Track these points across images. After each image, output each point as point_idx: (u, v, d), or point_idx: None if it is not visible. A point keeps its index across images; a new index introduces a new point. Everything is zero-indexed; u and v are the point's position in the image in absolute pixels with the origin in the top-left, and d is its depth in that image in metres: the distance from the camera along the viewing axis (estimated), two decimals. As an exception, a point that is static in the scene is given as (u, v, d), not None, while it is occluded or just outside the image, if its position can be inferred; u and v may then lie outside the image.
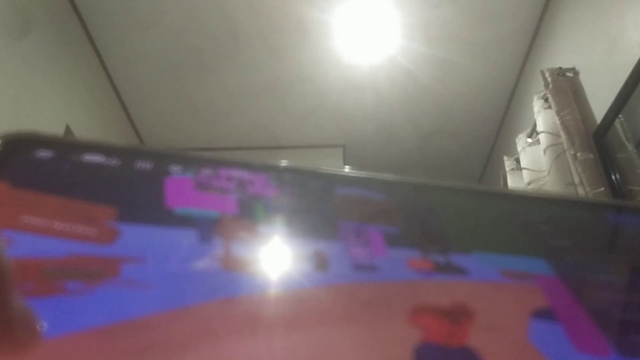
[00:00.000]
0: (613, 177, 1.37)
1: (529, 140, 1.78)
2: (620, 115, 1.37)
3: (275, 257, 0.15)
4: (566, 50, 1.78)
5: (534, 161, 1.69)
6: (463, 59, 2.14)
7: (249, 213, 0.16)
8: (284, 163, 0.18)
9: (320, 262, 0.15)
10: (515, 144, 1.87)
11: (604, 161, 1.40)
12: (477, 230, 0.18)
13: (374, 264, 0.15)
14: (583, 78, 1.58)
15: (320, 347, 0.13)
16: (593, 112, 1.51)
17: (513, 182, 1.89)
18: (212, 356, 0.12)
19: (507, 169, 1.96)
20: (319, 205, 0.17)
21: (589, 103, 1.53)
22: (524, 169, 1.73)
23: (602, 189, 1.33)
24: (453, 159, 2.76)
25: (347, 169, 0.19)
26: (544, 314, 0.15)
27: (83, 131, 2.01)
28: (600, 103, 1.46)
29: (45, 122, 1.84)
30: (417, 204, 0.18)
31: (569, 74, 1.59)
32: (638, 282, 0.16)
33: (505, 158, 2.02)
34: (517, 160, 1.88)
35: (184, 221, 0.15)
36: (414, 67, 2.17)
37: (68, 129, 1.96)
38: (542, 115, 1.62)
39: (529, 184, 1.67)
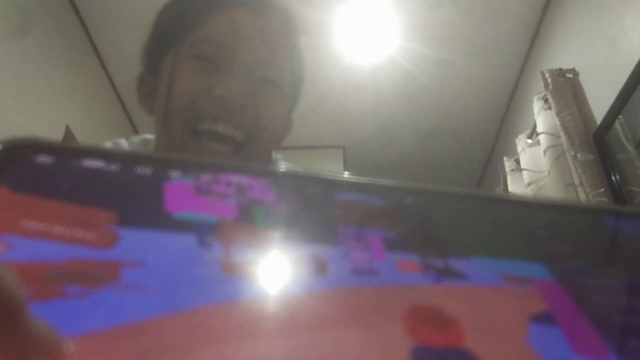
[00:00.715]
0: (613, 178, 1.37)
1: (529, 141, 1.78)
2: (620, 116, 1.37)
3: (275, 262, 0.15)
4: (566, 51, 1.78)
5: (534, 162, 1.69)
6: (463, 59, 2.14)
7: (249, 218, 0.16)
8: (283, 168, 0.18)
9: (320, 267, 0.15)
10: (515, 144, 1.87)
11: (604, 162, 1.40)
12: (477, 234, 0.18)
13: (373, 269, 0.15)
14: (583, 79, 1.58)
15: (319, 351, 0.13)
16: (593, 113, 1.51)
17: (513, 183, 1.89)
18: (214, 359, 0.12)
19: (507, 169, 1.96)
20: (319, 210, 0.17)
21: (589, 104, 1.53)
22: (524, 169, 1.73)
23: (602, 189, 1.33)
24: (453, 159, 2.76)
25: (346, 174, 0.19)
26: (543, 318, 0.15)
27: (83, 132, 2.01)
28: (600, 104, 1.46)
29: (45, 123, 1.84)
30: (417, 209, 0.18)
31: (569, 75, 1.59)
32: (636, 286, 0.16)
33: (505, 159, 2.02)
34: (517, 161, 1.88)
35: (184, 226, 0.15)
36: (414, 67, 2.17)
37: (68, 130, 1.96)
38: (542, 116, 1.62)
39: (529, 184, 1.67)
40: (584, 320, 0.15)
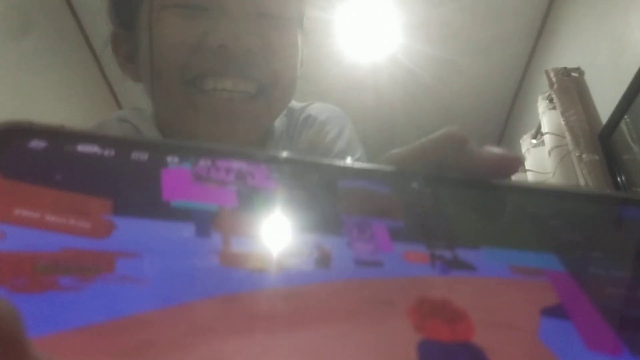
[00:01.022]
0: (619, 178, 1.36)
1: (534, 141, 1.77)
2: (626, 116, 1.36)
3: (276, 253, 0.15)
4: (571, 49, 1.77)
5: (538, 162, 1.68)
6: (465, 58, 2.13)
7: (249, 206, 0.16)
8: (285, 154, 0.17)
9: (323, 258, 0.15)
10: (519, 145, 1.86)
11: (609, 163, 1.39)
12: (485, 224, 0.17)
13: (378, 260, 0.15)
14: (588, 78, 1.57)
15: (321, 346, 0.12)
16: (598, 112, 1.50)
17: (516, 183, 1.88)
18: (212, 354, 0.12)
19: (511, 170, 1.95)
20: (322, 199, 0.17)
21: (595, 103, 1.52)
22: (529, 170, 1.72)
23: (608, 190, 1.31)
24: (455, 159, 2.75)
25: (349, 160, 0.18)
26: (554, 312, 0.14)
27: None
28: (605, 103, 1.45)
29: (45, 121, 1.83)
30: (424, 197, 0.17)
31: (574, 74, 1.58)
32: (617, 275, 0.16)
33: (508, 159, 2.01)
34: (522, 162, 1.87)
35: (181, 214, 0.15)
36: (415, 66, 2.16)
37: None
38: (546, 116, 1.61)
39: (532, 185, 1.65)
40: (596, 314, 0.14)
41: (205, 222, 0.15)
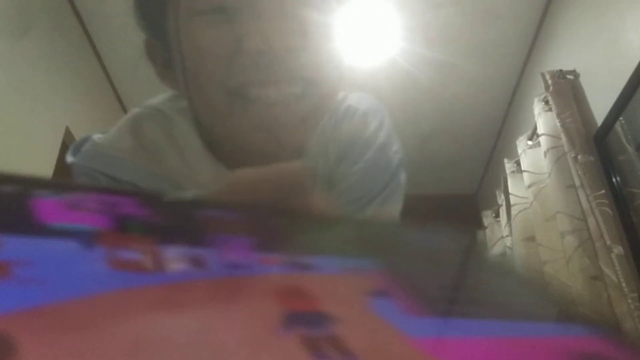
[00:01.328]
0: (614, 179, 1.37)
1: (530, 142, 1.78)
2: (621, 118, 1.37)
3: (155, 261, 0.17)
4: (567, 52, 1.78)
5: (534, 164, 1.68)
6: (463, 60, 2.13)
7: (124, 228, 0.18)
8: (148, 192, 0.21)
9: (198, 262, 0.18)
10: (515, 146, 1.87)
11: (604, 164, 1.40)
12: (324, 239, 0.24)
13: (243, 264, 0.19)
14: (584, 80, 1.58)
15: (200, 328, 0.14)
16: (594, 114, 1.51)
17: (514, 185, 1.89)
18: (109, 338, 0.13)
19: (508, 171, 1.96)
20: (189, 223, 0.21)
21: (590, 105, 1.53)
22: (525, 171, 1.73)
23: (603, 191, 1.32)
24: (453, 161, 2.76)
25: (200, 195, 0.25)
26: (377, 293, 0.20)
27: (83, 132, 2.00)
28: (601, 105, 1.46)
29: (45, 124, 1.84)
30: (274, 220, 0.23)
31: (570, 77, 1.59)
32: (421, 271, 0.24)
33: (505, 160, 2.02)
34: (518, 163, 1.88)
35: (63, 233, 0.16)
36: (414, 69, 2.17)
37: (68, 131, 1.96)
38: (542, 118, 1.62)
39: (529, 186, 1.66)
40: (407, 293, 0.20)
41: (86, 239, 0.17)
